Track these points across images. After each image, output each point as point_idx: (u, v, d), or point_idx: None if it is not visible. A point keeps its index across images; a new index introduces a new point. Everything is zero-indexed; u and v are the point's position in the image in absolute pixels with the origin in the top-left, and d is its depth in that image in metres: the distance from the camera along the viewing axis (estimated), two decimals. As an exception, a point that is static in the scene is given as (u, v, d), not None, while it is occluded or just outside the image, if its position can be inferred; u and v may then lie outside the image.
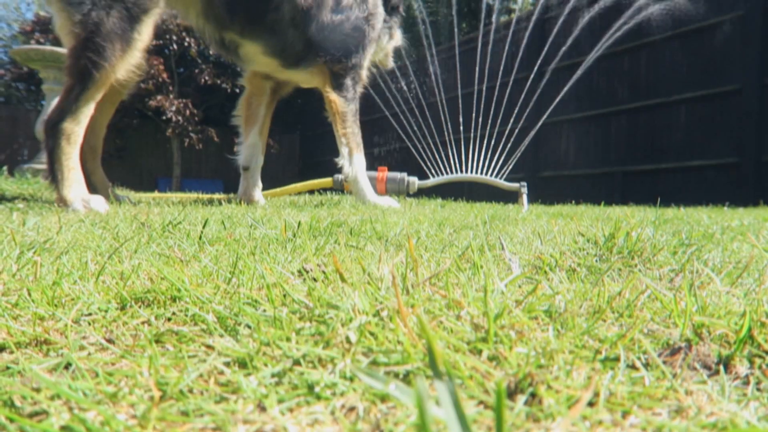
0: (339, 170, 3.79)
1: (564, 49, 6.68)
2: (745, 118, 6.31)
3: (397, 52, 4.50)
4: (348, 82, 3.60)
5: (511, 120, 6.72)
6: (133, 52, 2.83)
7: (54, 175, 2.69)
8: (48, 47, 6.32)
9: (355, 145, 3.63)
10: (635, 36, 7.62)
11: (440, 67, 10.81)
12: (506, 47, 7.15)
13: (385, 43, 4.04)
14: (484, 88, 7.09)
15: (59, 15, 2.77)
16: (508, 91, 6.97)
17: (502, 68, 7.19)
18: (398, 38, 4.23)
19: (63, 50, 6.45)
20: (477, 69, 7.56)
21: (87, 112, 2.74)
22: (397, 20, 4.09)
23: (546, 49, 6.95)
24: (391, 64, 4.41)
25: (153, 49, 13.67)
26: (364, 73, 3.76)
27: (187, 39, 13.40)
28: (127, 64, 2.82)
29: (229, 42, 3.45)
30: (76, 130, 2.71)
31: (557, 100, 6.57)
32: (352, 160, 3.62)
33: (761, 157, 6.14)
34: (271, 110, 4.00)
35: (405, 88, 8.73)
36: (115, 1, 2.73)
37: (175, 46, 13.77)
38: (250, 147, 3.89)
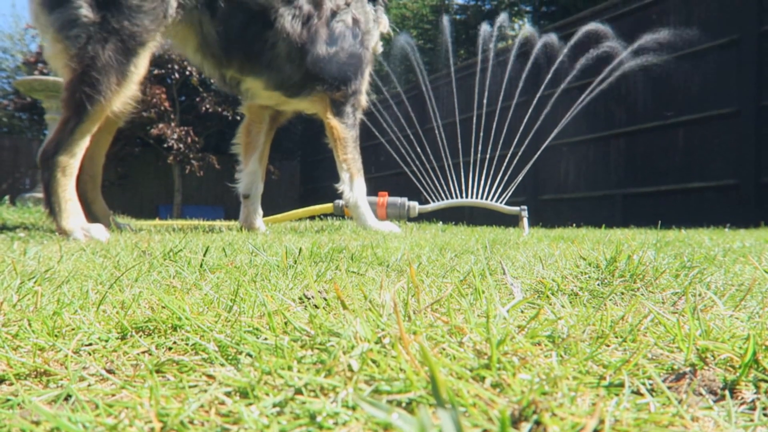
0: (339, 196, 3.80)
1: (568, 77, 6.75)
2: (744, 140, 6.35)
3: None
4: (348, 109, 3.65)
5: (512, 144, 6.77)
6: (129, 85, 2.83)
7: (51, 207, 2.69)
8: (51, 78, 6.40)
9: (356, 171, 3.65)
10: (632, 59, 7.71)
11: (439, 92, 10.92)
12: (506, 73, 7.22)
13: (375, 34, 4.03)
14: (484, 113, 7.14)
15: (54, 46, 2.78)
16: (509, 115, 7.02)
17: (502, 93, 7.25)
18: (385, 23, 4.19)
19: (66, 80, 6.50)
20: (476, 94, 7.63)
21: (82, 144, 2.74)
22: (381, 6, 4.07)
23: (545, 73, 7.03)
24: (379, 49, 4.38)
25: (155, 79, 13.85)
26: (363, 98, 3.80)
27: (189, 68, 13.57)
28: (123, 96, 2.82)
29: (231, 79, 3.52)
30: (72, 162, 2.71)
31: (560, 126, 6.60)
32: (353, 186, 3.64)
33: (761, 178, 6.16)
34: (270, 137, 4.03)
35: (401, 115, 8.81)
36: (110, 34, 2.74)
37: (176, 75, 13.94)
38: (250, 174, 3.91)
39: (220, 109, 14.21)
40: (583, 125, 8.23)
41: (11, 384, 0.60)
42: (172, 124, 13.82)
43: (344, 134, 3.60)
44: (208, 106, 14.06)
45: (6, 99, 18.13)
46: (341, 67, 3.59)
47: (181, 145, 13.75)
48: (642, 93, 7.60)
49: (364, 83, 3.77)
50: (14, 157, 13.91)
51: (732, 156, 6.48)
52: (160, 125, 13.54)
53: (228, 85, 3.58)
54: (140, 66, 2.86)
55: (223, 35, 3.25)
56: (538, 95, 7.03)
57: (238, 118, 4.01)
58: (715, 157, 6.66)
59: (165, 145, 13.91)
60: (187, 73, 13.77)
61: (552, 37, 7.38)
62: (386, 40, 4.26)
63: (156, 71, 13.77)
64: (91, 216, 3.27)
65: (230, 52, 3.33)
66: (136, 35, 2.80)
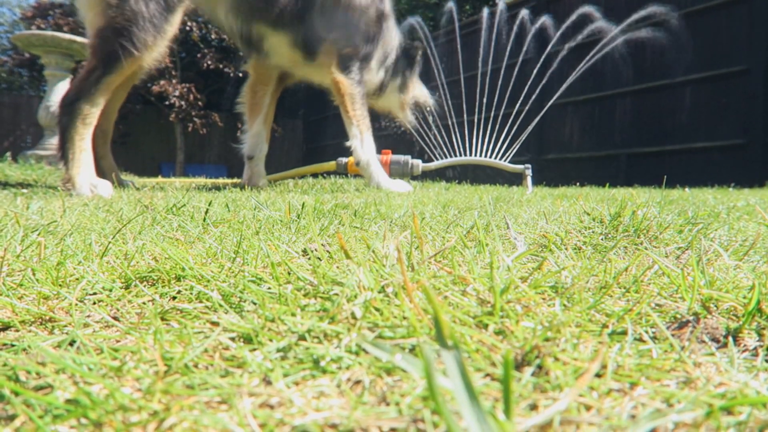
0: (343, 154, 3.76)
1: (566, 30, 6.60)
2: (752, 100, 6.24)
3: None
4: (355, 66, 3.53)
5: (517, 103, 6.68)
6: (163, 42, 2.79)
7: (65, 153, 2.65)
8: (49, 33, 6.28)
9: (365, 127, 3.56)
10: (640, 17, 7.53)
11: (443, 50, 10.71)
12: (513, 30, 7.07)
13: (399, 89, 4.05)
14: (489, 71, 7.03)
15: None
16: (514, 73, 6.91)
17: (507, 51, 7.11)
18: (424, 93, 4.25)
19: (64, 35, 6.39)
20: (481, 52, 7.48)
21: (105, 95, 2.71)
22: (413, 70, 4.10)
23: (551, 32, 6.88)
24: (410, 118, 4.38)
25: (154, 34, 13.58)
26: (373, 70, 3.72)
27: (189, 23, 13.31)
28: (156, 53, 2.79)
29: (257, 35, 3.40)
30: (93, 111, 2.67)
31: (566, 84, 6.50)
32: (364, 142, 3.55)
33: (768, 138, 6.09)
34: (275, 99, 3.96)
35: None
36: None
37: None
38: (255, 136, 3.86)
39: (221, 66, 14.00)
40: (589, 84, 8.11)
41: (17, 330, 0.61)
42: (174, 81, 13.64)
43: (352, 90, 3.49)
44: (209, 62, 13.85)
45: (5, 55, 17.91)
46: (359, 25, 3.50)
47: (183, 103, 13.60)
48: (649, 51, 7.45)
49: (376, 53, 3.68)
50: (14, 114, 13.80)
51: (739, 116, 6.39)
52: (161, 82, 13.36)
53: (248, 43, 3.46)
54: (175, 24, 2.83)
55: None
56: (545, 53, 6.90)
57: (241, 75, 3.95)
58: (723, 116, 6.57)
59: (166, 103, 13.76)
60: (188, 28, 13.52)
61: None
62: None
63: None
64: (99, 171, 3.27)
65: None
66: None
